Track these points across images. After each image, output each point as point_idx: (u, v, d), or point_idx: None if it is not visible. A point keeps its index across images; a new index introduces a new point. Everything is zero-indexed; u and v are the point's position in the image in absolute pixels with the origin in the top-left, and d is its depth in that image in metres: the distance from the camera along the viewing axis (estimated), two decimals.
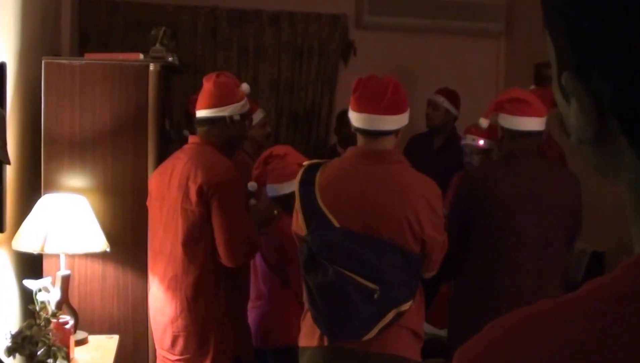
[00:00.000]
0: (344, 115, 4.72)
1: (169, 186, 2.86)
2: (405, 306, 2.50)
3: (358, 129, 2.60)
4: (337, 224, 2.50)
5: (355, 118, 2.59)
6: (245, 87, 3.03)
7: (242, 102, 2.98)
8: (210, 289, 2.84)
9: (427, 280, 2.72)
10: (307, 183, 2.57)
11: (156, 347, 3.00)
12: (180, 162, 2.88)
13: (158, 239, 2.93)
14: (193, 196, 2.77)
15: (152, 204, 2.99)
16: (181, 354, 2.87)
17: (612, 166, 0.65)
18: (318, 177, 2.57)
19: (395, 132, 2.59)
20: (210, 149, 2.90)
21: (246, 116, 3.06)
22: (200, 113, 2.95)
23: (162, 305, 2.90)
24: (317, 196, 2.53)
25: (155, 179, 2.98)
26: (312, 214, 2.53)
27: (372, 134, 2.57)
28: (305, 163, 2.70)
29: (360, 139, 2.62)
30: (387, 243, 2.47)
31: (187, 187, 2.79)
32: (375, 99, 2.54)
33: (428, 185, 2.59)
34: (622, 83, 0.60)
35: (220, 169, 2.81)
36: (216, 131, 2.93)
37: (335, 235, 2.49)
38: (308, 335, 2.59)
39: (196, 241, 2.81)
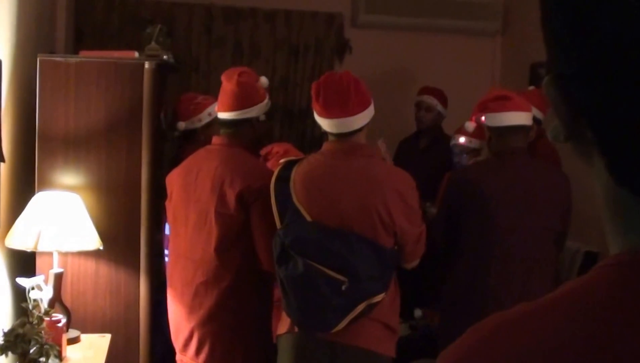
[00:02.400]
0: None
1: (196, 188, 2.81)
2: (377, 299, 2.53)
3: (329, 133, 2.66)
4: (309, 219, 2.55)
5: (324, 124, 2.64)
6: (264, 80, 2.95)
7: (266, 100, 2.93)
8: (243, 295, 2.80)
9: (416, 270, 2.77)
10: (282, 179, 2.63)
11: (177, 353, 2.95)
12: (208, 164, 2.82)
13: (184, 243, 2.87)
14: (231, 201, 2.72)
15: (175, 206, 2.93)
16: (206, 361, 2.82)
17: (585, 161, 0.67)
18: (294, 173, 2.62)
19: (365, 127, 2.65)
20: (241, 152, 2.85)
21: (271, 115, 3.01)
22: (224, 115, 2.88)
23: (187, 311, 2.84)
24: (292, 191, 2.59)
25: (177, 180, 2.93)
26: (285, 209, 2.59)
27: (344, 135, 2.62)
28: (282, 160, 2.74)
29: (331, 137, 2.67)
30: (357, 237, 2.51)
31: (222, 191, 2.73)
32: (341, 103, 2.57)
33: (400, 177, 2.64)
34: (596, 96, 0.61)
35: (258, 173, 2.79)
36: (242, 132, 2.88)
37: (306, 228, 2.54)
38: (282, 323, 2.68)
39: (231, 247, 2.77)
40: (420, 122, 4.67)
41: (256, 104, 2.88)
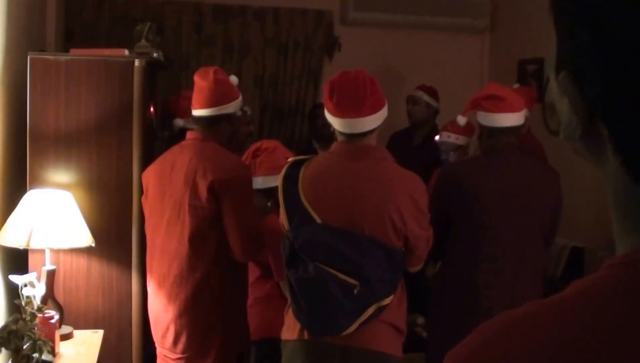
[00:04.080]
0: (316, 109, 4.72)
1: (171, 183, 2.84)
2: (386, 301, 2.51)
3: (340, 132, 2.60)
4: (319, 220, 2.50)
5: (336, 123, 2.58)
6: (234, 79, 3.01)
7: (240, 97, 2.98)
8: (217, 286, 2.83)
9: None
10: (290, 178, 2.58)
11: (156, 345, 2.99)
12: (182, 158, 2.85)
13: (160, 236, 2.90)
14: (203, 193, 2.75)
15: (151, 200, 2.96)
16: (183, 352, 2.86)
17: (595, 161, 0.67)
18: (302, 173, 2.57)
19: (377, 129, 2.60)
20: (214, 146, 2.87)
21: (244, 111, 3.06)
22: (201, 112, 2.91)
23: (165, 303, 2.88)
24: (300, 192, 2.54)
25: (154, 175, 2.95)
26: (294, 210, 2.54)
27: (356, 136, 2.57)
28: (290, 158, 2.70)
29: (342, 137, 2.62)
30: (368, 239, 2.47)
31: (194, 183, 2.76)
32: (356, 104, 2.52)
33: (412, 181, 2.59)
34: (614, 93, 0.61)
35: (230, 165, 2.81)
36: (219, 128, 2.92)
37: (316, 230, 2.49)
38: (289, 329, 2.61)
39: (204, 238, 2.80)
40: (410, 115, 4.70)
41: (233, 100, 2.93)
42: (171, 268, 2.85)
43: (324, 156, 2.68)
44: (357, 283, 2.44)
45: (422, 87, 4.69)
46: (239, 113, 2.99)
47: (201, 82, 2.92)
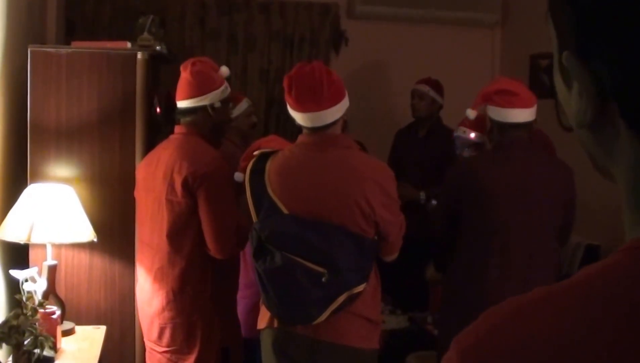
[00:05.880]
0: None
1: (154, 177, 2.85)
2: (358, 289, 2.51)
3: (304, 127, 2.62)
4: (286, 211, 2.52)
5: (298, 117, 2.60)
6: (224, 70, 3.00)
7: (222, 87, 2.97)
8: (196, 280, 2.84)
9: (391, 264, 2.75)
10: (256, 172, 2.60)
11: (144, 338, 3.00)
12: (165, 153, 2.87)
13: (145, 230, 2.93)
14: (178, 188, 2.76)
15: (139, 195, 2.99)
16: (168, 346, 2.87)
17: (607, 150, 0.64)
18: (268, 166, 2.60)
19: (340, 119, 2.61)
20: (196, 140, 2.89)
21: (228, 101, 3.04)
22: (181, 104, 2.94)
23: (149, 297, 2.89)
24: (267, 184, 2.56)
25: (142, 170, 2.98)
26: (261, 202, 2.56)
27: (318, 129, 2.59)
28: (256, 152, 2.71)
29: (306, 130, 2.63)
30: (336, 228, 2.49)
31: (172, 179, 2.78)
32: (315, 96, 2.53)
33: (378, 168, 2.62)
34: (623, 66, 0.59)
35: (205, 160, 2.81)
36: (199, 120, 2.92)
37: (283, 221, 2.52)
38: (262, 318, 2.65)
39: (182, 233, 2.81)
40: (414, 110, 4.67)
41: (210, 91, 2.92)
42: (154, 262, 2.87)
43: (289, 148, 2.69)
44: (325, 271, 2.45)
45: (429, 82, 4.64)
46: (218, 105, 2.95)
47: (182, 74, 2.96)
